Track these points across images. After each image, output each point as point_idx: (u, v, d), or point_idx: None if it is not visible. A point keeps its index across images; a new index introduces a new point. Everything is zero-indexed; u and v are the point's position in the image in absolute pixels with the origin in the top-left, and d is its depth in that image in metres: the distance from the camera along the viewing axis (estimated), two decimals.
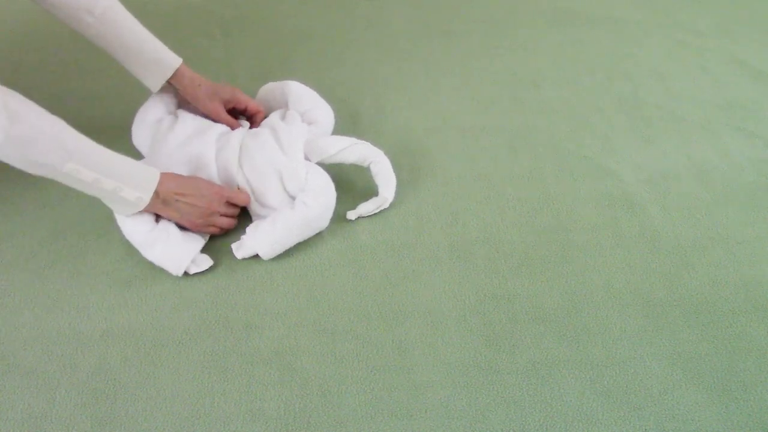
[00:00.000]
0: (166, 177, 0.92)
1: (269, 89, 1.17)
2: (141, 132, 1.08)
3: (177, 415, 0.81)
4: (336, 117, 1.16)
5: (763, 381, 0.84)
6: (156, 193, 0.90)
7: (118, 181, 0.87)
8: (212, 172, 0.99)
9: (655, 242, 1.01)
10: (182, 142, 1.01)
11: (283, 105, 1.13)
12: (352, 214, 1.02)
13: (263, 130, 1.04)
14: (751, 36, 1.44)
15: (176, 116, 1.07)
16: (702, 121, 1.22)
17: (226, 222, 0.98)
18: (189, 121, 1.05)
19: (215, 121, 1.09)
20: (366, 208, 1.03)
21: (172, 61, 1.04)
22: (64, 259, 0.98)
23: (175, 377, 0.84)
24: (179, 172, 0.98)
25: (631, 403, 0.82)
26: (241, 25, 1.45)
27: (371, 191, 1.06)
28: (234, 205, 0.99)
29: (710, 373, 0.85)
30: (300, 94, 1.13)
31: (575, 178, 1.10)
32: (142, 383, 0.84)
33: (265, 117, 1.14)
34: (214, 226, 0.97)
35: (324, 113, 1.13)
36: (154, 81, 1.05)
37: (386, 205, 1.04)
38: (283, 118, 1.09)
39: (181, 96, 1.09)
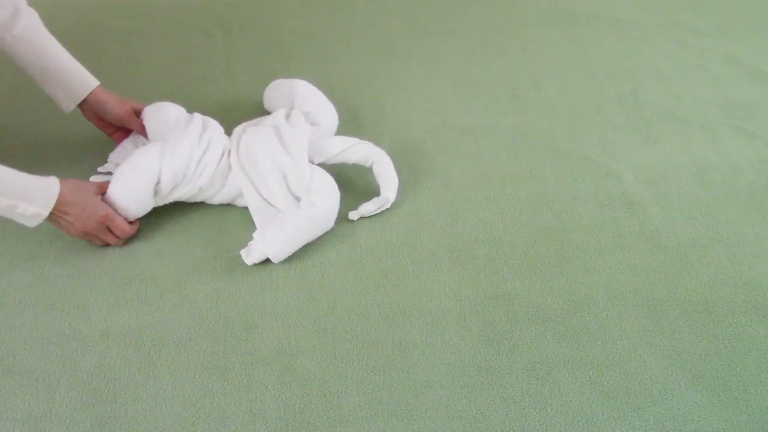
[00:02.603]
0: (63, 190, 0.90)
1: (277, 85, 1.17)
2: (158, 127, 1.06)
3: (177, 415, 0.81)
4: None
5: (763, 381, 0.84)
6: None
7: (10, 198, 0.85)
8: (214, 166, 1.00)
9: (655, 242, 1.01)
10: (198, 137, 1.01)
11: (289, 103, 1.13)
12: (354, 215, 1.03)
13: (266, 129, 1.03)
14: (751, 36, 1.44)
15: (190, 114, 1.06)
16: (702, 121, 1.22)
17: (98, 242, 0.97)
18: (199, 117, 1.05)
19: (126, 126, 1.08)
20: (368, 208, 1.03)
21: (88, 83, 1.04)
22: (64, 259, 0.97)
23: (175, 377, 0.84)
24: (199, 165, 0.98)
25: (631, 403, 0.82)
26: (241, 25, 1.45)
27: (372, 191, 1.06)
28: (113, 236, 0.97)
29: (710, 373, 0.85)
30: (305, 95, 1.13)
31: (575, 178, 1.10)
32: (142, 383, 0.84)
33: (269, 114, 1.14)
34: (89, 239, 0.97)
35: (328, 115, 1.13)
36: (68, 103, 1.05)
37: (388, 205, 1.04)
38: (287, 117, 1.08)
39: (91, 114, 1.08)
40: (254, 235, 0.97)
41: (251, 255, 0.96)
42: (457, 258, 0.98)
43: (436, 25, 1.46)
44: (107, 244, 0.98)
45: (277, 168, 1.00)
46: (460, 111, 1.24)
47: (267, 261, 0.96)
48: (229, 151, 1.02)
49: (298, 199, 1.00)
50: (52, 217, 0.91)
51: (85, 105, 1.06)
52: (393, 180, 1.05)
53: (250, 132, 1.03)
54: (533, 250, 0.99)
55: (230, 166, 1.01)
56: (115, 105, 1.07)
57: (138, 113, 1.08)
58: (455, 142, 1.17)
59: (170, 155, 0.97)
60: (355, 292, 0.94)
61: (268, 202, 1.00)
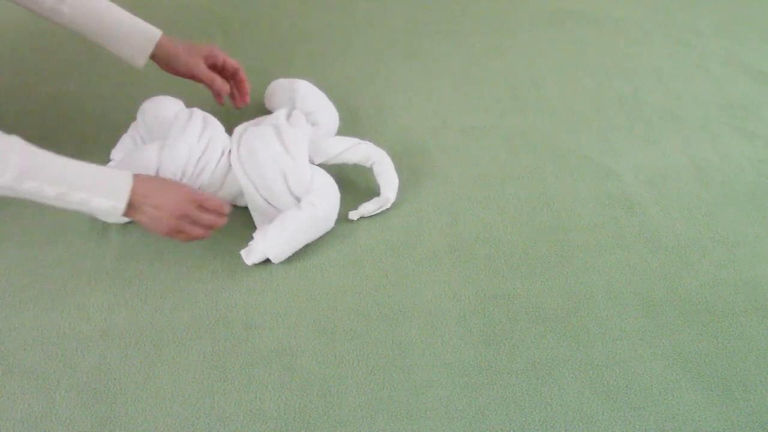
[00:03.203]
0: (137, 180, 0.87)
1: (278, 85, 1.16)
2: (155, 123, 1.06)
3: (177, 415, 0.81)
4: None
5: (763, 381, 0.84)
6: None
7: (85, 191, 0.83)
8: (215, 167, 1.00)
9: (655, 242, 1.01)
10: (198, 135, 1.01)
11: (290, 103, 1.13)
12: (354, 215, 1.03)
13: (267, 128, 1.03)
14: (751, 36, 1.44)
15: (190, 111, 1.05)
16: (702, 121, 1.22)
17: (197, 232, 0.91)
18: (199, 114, 1.04)
19: (194, 76, 1.06)
20: (368, 208, 1.03)
21: (152, 34, 1.03)
22: (64, 259, 0.98)
23: (175, 377, 0.84)
24: (199, 163, 0.98)
25: (631, 403, 0.82)
26: (241, 25, 1.45)
27: (372, 191, 1.06)
28: (210, 214, 0.92)
29: (710, 373, 0.85)
30: (306, 95, 1.12)
31: (575, 178, 1.10)
32: (142, 383, 0.84)
33: (270, 113, 1.14)
34: (182, 233, 0.90)
35: (328, 116, 1.13)
36: (138, 58, 1.04)
37: (388, 205, 1.04)
38: (288, 117, 1.08)
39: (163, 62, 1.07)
40: (254, 235, 0.97)
41: (251, 255, 0.96)
42: (457, 258, 0.98)
43: (436, 25, 1.46)
44: (189, 238, 0.91)
45: (278, 168, 1.00)
46: (460, 111, 1.24)
47: (267, 261, 0.96)
48: (230, 151, 1.02)
49: (298, 199, 1.00)
50: (137, 206, 0.87)
51: (156, 58, 1.05)
52: (393, 180, 1.05)
53: (250, 132, 1.03)
54: (533, 250, 0.99)
55: (230, 165, 1.01)
56: (182, 53, 1.05)
57: (205, 59, 1.06)
58: (455, 142, 1.17)
59: (169, 153, 0.97)
60: (355, 292, 0.94)
61: (269, 203, 1.00)
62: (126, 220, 0.97)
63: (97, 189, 0.84)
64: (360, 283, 0.95)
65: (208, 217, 0.91)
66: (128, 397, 0.82)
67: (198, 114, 1.04)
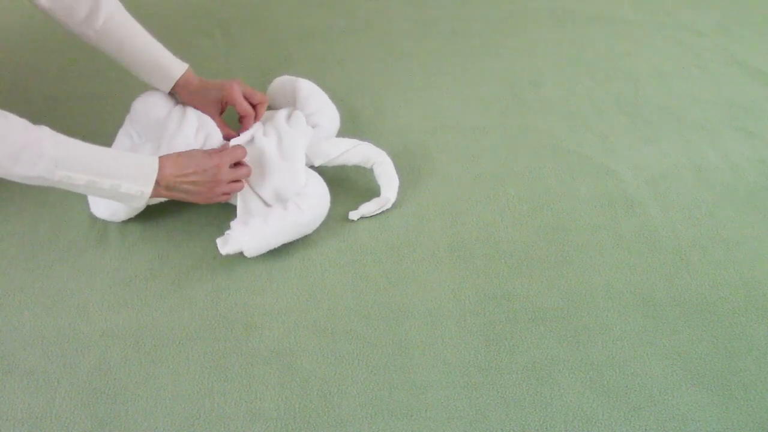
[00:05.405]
0: (165, 162, 0.89)
1: (281, 83, 1.15)
2: (148, 123, 1.06)
3: (177, 415, 0.81)
4: None
5: (763, 381, 0.84)
6: (157, 182, 0.88)
7: (114, 178, 0.85)
8: None
9: (655, 242, 1.01)
10: (195, 131, 1.00)
11: (292, 102, 1.12)
12: (354, 215, 1.03)
13: (268, 131, 1.03)
14: (751, 36, 1.44)
15: (183, 108, 1.05)
16: (702, 121, 1.22)
17: (236, 187, 0.96)
18: (192, 112, 1.05)
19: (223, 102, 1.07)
20: (368, 208, 1.03)
21: (176, 69, 1.04)
22: (64, 259, 0.98)
23: (175, 377, 0.84)
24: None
25: (631, 403, 0.82)
26: (241, 25, 1.45)
27: (373, 191, 1.06)
28: (238, 166, 0.96)
29: (710, 373, 0.85)
30: (308, 96, 1.11)
31: (575, 178, 1.10)
32: (142, 383, 0.84)
33: (271, 109, 1.13)
34: (223, 194, 0.95)
35: (329, 117, 1.12)
36: (162, 87, 1.06)
37: (389, 206, 1.04)
38: (288, 119, 1.08)
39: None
40: (232, 224, 0.96)
41: (228, 245, 0.94)
42: (457, 258, 0.98)
43: (436, 25, 1.46)
44: (238, 189, 0.97)
45: (274, 172, 0.99)
46: (460, 111, 1.24)
47: (268, 260, 0.96)
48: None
49: (287, 200, 0.99)
50: (174, 187, 0.90)
51: (178, 90, 1.06)
52: (393, 180, 1.05)
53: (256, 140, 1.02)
54: (533, 250, 0.99)
55: None
56: (198, 103, 1.06)
57: (217, 104, 1.06)
58: (455, 142, 1.17)
59: (167, 152, 0.97)
60: (355, 292, 0.94)
61: (256, 199, 0.99)
62: (144, 205, 0.96)
63: (126, 175, 0.86)
64: (360, 283, 0.95)
65: (239, 173, 0.95)
66: (128, 397, 0.82)
67: (191, 111, 1.04)
